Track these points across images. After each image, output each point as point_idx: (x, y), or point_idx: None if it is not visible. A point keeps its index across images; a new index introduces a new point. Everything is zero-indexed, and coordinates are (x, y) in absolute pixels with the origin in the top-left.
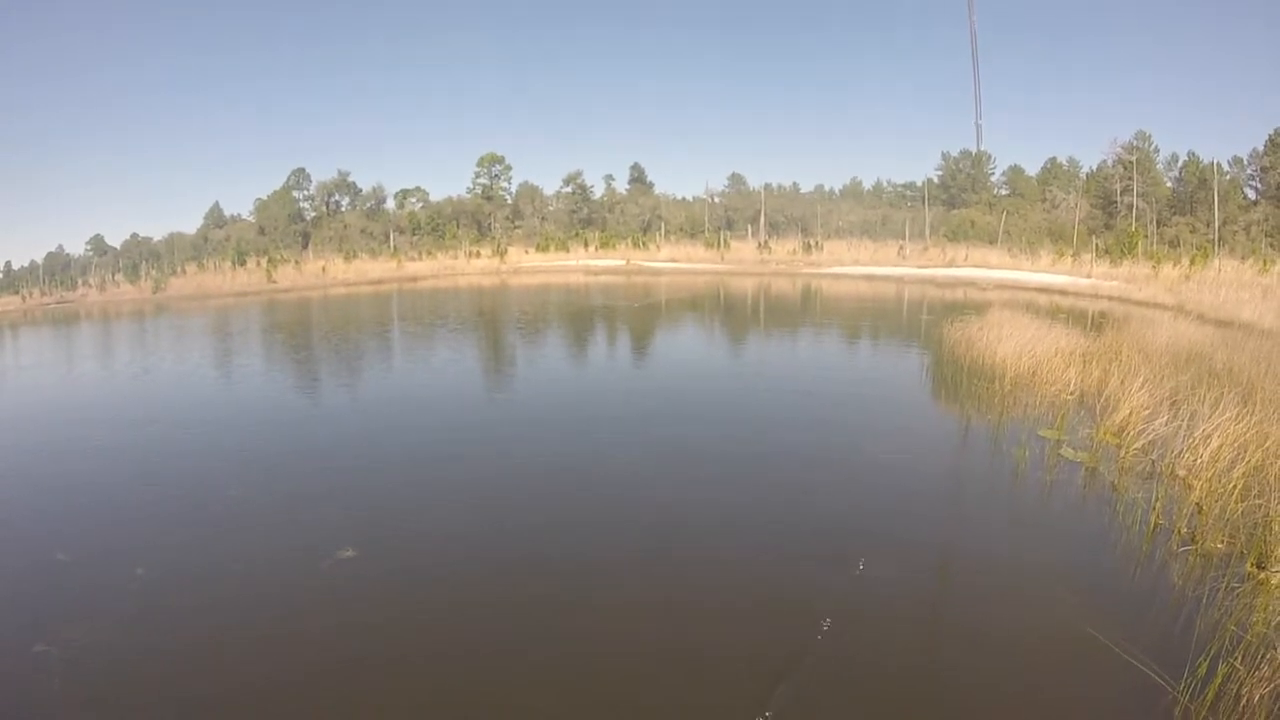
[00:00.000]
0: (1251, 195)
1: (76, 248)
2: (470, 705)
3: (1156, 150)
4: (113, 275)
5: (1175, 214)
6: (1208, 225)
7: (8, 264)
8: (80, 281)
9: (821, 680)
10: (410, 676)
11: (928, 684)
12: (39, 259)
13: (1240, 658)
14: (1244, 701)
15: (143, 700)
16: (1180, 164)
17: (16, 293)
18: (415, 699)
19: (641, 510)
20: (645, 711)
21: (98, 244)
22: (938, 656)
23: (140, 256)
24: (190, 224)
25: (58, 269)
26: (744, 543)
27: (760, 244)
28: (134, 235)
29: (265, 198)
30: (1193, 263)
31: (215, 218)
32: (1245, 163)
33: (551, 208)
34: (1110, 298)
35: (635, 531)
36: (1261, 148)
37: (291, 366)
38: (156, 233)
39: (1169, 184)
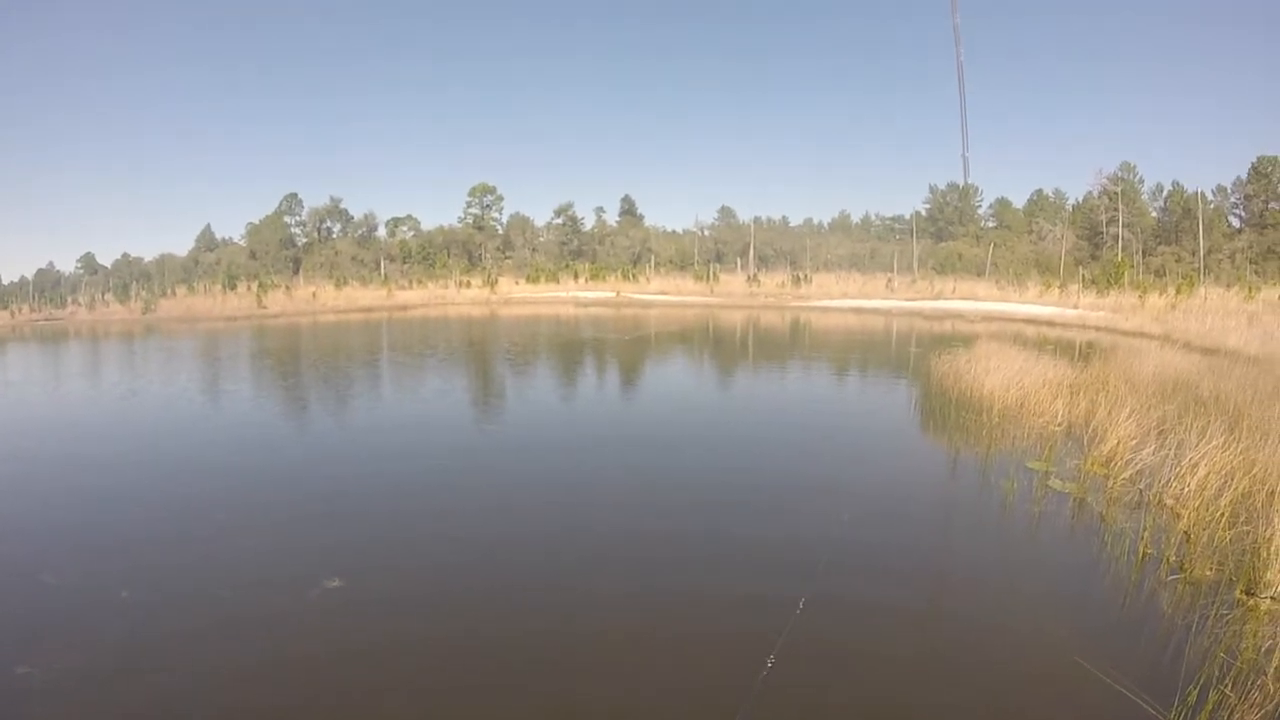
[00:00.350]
0: (1235, 223)
1: (67, 265)
2: None
3: (1141, 181)
4: (103, 294)
5: (1161, 243)
6: (1193, 254)
7: None
8: (70, 299)
9: (803, 709)
10: (397, 706)
11: (915, 715)
12: (29, 275)
13: (1231, 685)
14: None
15: None
16: (1165, 194)
17: (5, 308)
18: None
19: (630, 541)
20: None
21: (88, 262)
22: (925, 686)
23: (131, 276)
24: (181, 246)
25: (47, 286)
26: (730, 572)
27: (749, 277)
28: (125, 255)
29: (257, 222)
30: (1178, 291)
31: (206, 240)
32: (1229, 191)
33: (542, 239)
34: (1097, 328)
35: (624, 562)
36: (1245, 176)
37: (280, 393)
38: (147, 253)
39: (1154, 214)
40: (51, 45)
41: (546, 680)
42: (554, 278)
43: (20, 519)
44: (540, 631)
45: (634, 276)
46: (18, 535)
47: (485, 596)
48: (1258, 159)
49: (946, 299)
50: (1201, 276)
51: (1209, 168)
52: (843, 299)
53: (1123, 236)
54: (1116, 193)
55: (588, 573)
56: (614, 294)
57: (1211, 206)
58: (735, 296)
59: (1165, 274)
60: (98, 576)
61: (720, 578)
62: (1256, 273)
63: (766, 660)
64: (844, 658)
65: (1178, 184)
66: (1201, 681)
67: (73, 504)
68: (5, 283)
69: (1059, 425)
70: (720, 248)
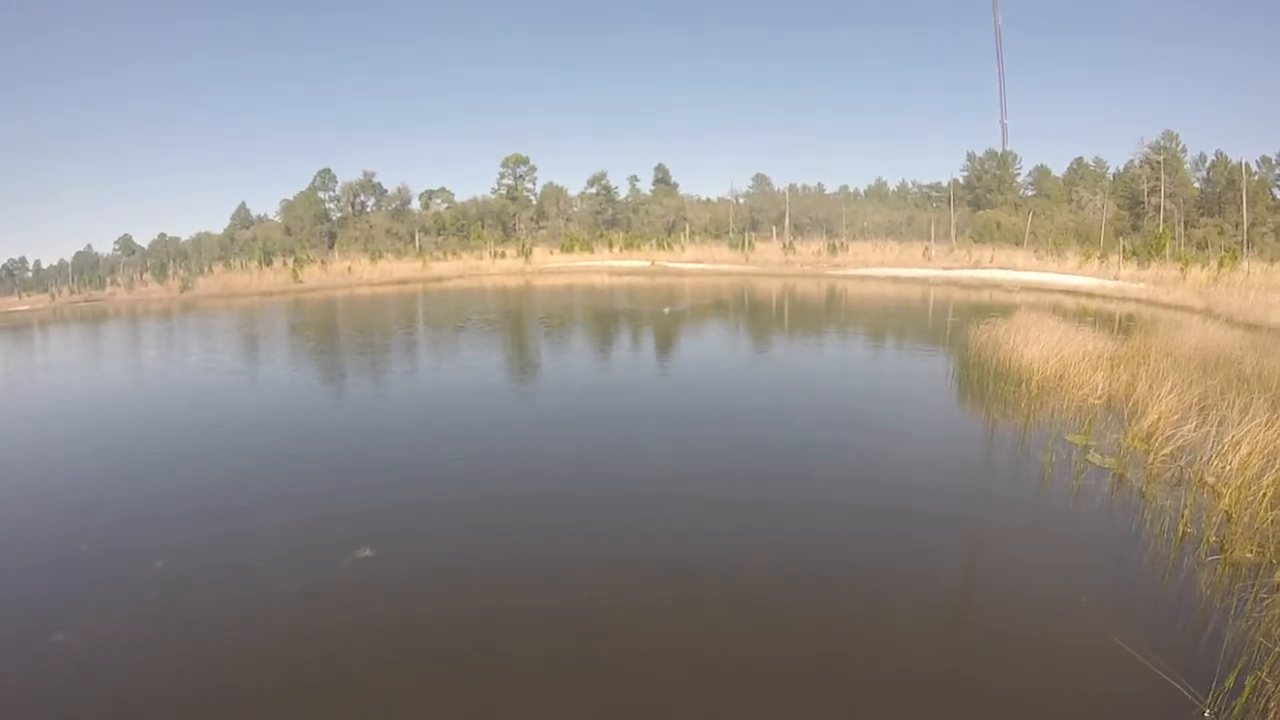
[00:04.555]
0: None
1: (105, 247)
2: (487, 707)
3: (1184, 150)
4: (140, 274)
5: (1203, 215)
6: (1236, 226)
7: (37, 263)
8: (108, 280)
9: (840, 680)
10: (427, 676)
11: (949, 688)
12: (68, 258)
13: (1268, 670)
14: (1272, 716)
15: (155, 690)
16: (1208, 164)
17: (46, 291)
18: (432, 699)
19: (668, 514)
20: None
21: (126, 244)
22: (960, 662)
23: (168, 256)
24: (217, 224)
25: (86, 268)
26: (762, 546)
27: (785, 245)
28: (161, 235)
29: (291, 198)
30: (1221, 265)
31: (242, 218)
32: (1274, 162)
33: (576, 208)
34: (1137, 300)
35: (661, 536)
36: None
37: (316, 366)
38: (184, 233)
39: (1197, 184)
40: (85, 32)
41: (580, 652)
42: (588, 247)
43: (59, 492)
44: (573, 603)
45: (668, 245)
46: (57, 507)
47: (518, 565)
48: None
49: (984, 268)
50: (1245, 250)
51: (1254, 138)
52: (879, 267)
53: (1164, 207)
54: (1159, 162)
55: (627, 547)
56: (649, 263)
57: (1256, 178)
58: (771, 265)
59: (1207, 246)
60: (134, 547)
61: (752, 549)
62: None
63: (789, 631)
64: (875, 625)
65: (1221, 154)
66: (1239, 666)
67: (110, 477)
68: (45, 266)
69: (1099, 398)
70: (755, 216)
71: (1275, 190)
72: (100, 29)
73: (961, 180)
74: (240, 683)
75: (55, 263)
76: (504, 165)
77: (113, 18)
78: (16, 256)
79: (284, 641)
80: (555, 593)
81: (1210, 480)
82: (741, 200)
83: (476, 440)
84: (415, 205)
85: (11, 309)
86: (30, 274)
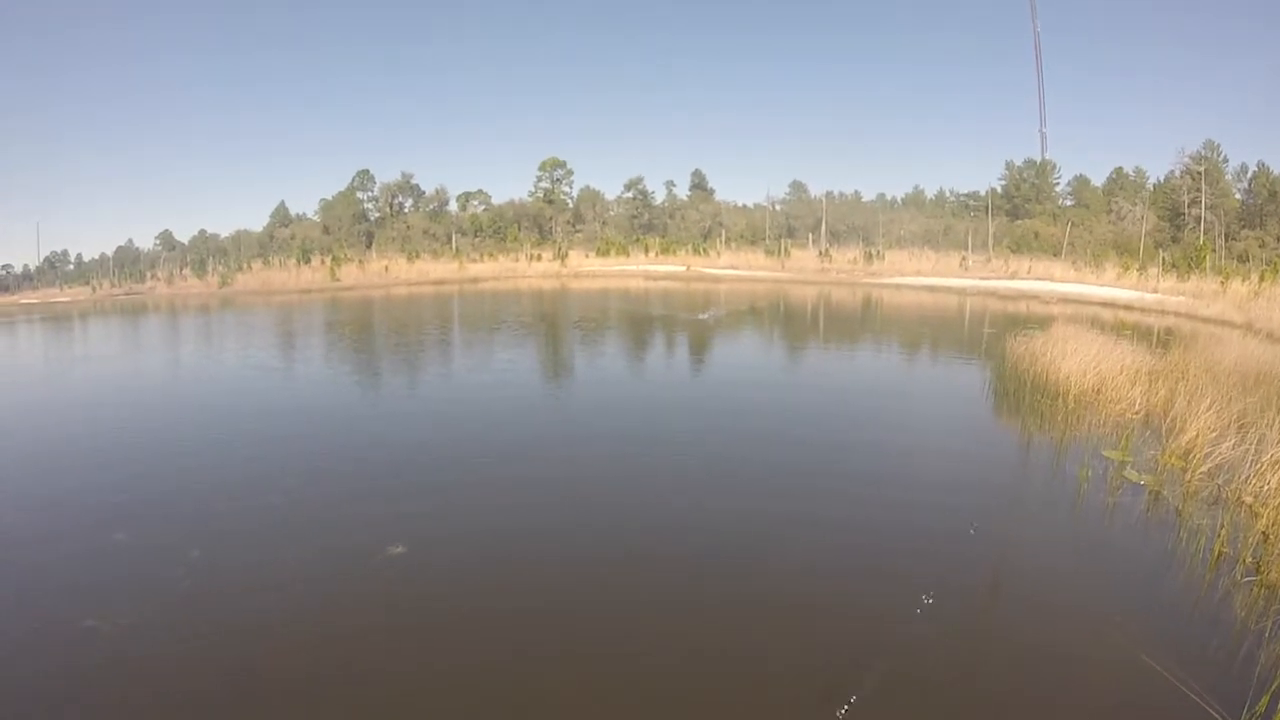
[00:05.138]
0: None
1: (145, 242)
2: (516, 704)
3: (1225, 160)
4: (180, 269)
5: (1244, 227)
6: (1278, 239)
7: (79, 256)
8: (149, 275)
9: (862, 687)
10: (456, 673)
11: (977, 703)
12: (109, 252)
13: None
14: None
15: (184, 678)
16: (1250, 175)
17: (87, 283)
18: (460, 695)
19: (697, 517)
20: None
21: (166, 239)
22: (989, 676)
23: (207, 252)
24: (256, 222)
25: (127, 262)
26: (797, 552)
27: (821, 252)
28: (202, 232)
29: (330, 198)
30: (1262, 279)
31: (281, 217)
32: None
33: (612, 213)
34: (1177, 314)
35: (690, 540)
36: None
37: (351, 364)
38: (224, 230)
39: (1238, 196)
40: (130, 30)
41: (609, 651)
42: (624, 251)
43: (97, 481)
44: (604, 602)
45: (704, 251)
46: (95, 495)
47: (549, 569)
48: None
49: (1022, 279)
50: None
51: None
52: (916, 276)
53: (1205, 219)
54: (1199, 173)
55: (658, 550)
56: (684, 268)
57: None
58: (806, 272)
59: (1249, 259)
60: (169, 536)
61: (782, 555)
62: None
63: (816, 636)
64: (905, 636)
65: (1263, 164)
66: (1273, 690)
67: (147, 467)
68: (86, 259)
69: (1136, 414)
70: (792, 222)
71: None
72: (145, 28)
73: (999, 189)
74: (264, 674)
75: (96, 256)
76: (541, 169)
77: (157, 17)
78: (59, 249)
79: (314, 633)
80: (587, 590)
81: (1248, 500)
82: (778, 207)
83: (510, 442)
84: (452, 207)
85: (53, 300)
86: (71, 266)
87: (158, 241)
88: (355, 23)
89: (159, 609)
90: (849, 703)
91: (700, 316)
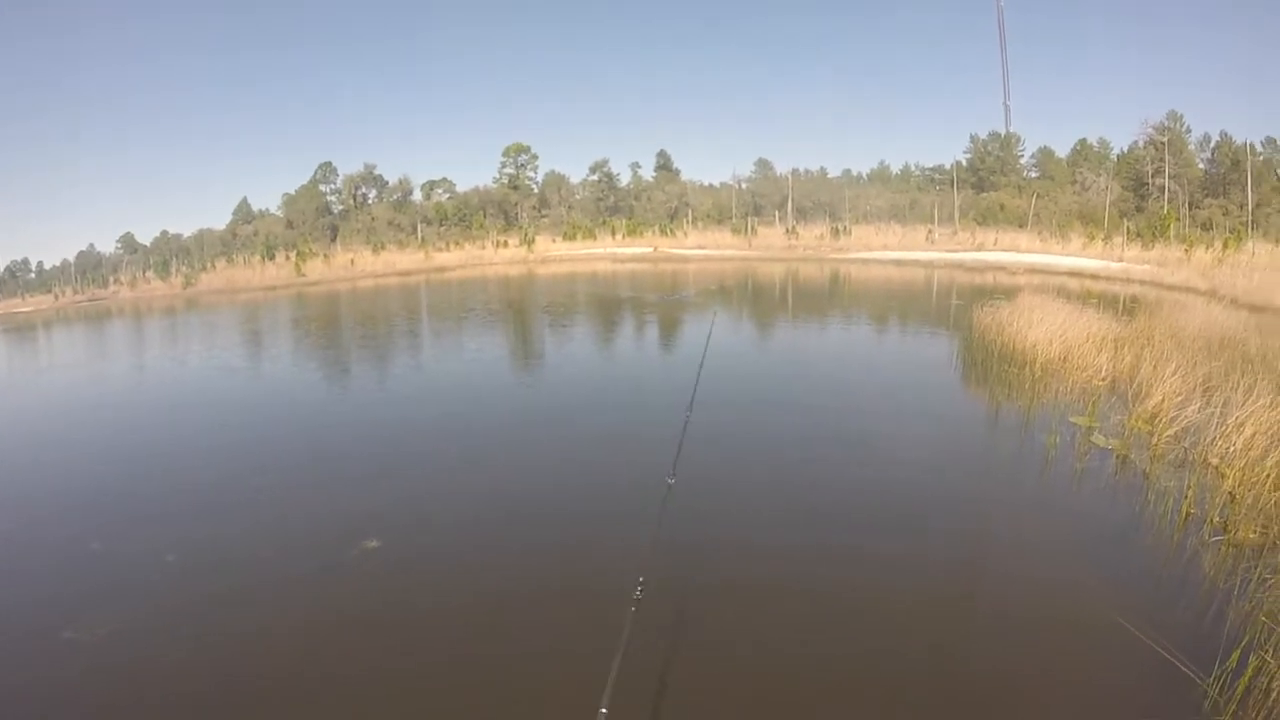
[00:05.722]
0: None
1: (107, 246)
2: (494, 695)
3: (1188, 131)
4: (143, 272)
5: (1208, 196)
6: (1241, 207)
7: (39, 263)
8: (112, 279)
9: (836, 659)
10: (433, 664)
11: (950, 669)
12: (70, 258)
13: (1272, 651)
14: (1275, 695)
15: (165, 684)
16: (1213, 145)
17: (49, 291)
18: (438, 688)
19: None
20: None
21: (128, 242)
22: (960, 641)
23: (170, 253)
24: (219, 220)
25: (89, 267)
26: (767, 520)
27: (788, 230)
28: (164, 232)
29: (293, 192)
30: (1226, 246)
31: (243, 213)
32: (1279, 143)
33: (578, 196)
34: (1142, 282)
35: (667, 515)
36: None
37: (317, 359)
38: (186, 229)
39: (1201, 165)
40: (82, 32)
41: (586, 640)
42: (591, 235)
43: (70, 491)
44: (579, 590)
45: (671, 231)
46: (69, 505)
47: (524, 558)
48: None
49: (988, 251)
50: (1250, 231)
51: (1259, 118)
52: (882, 251)
53: (1169, 188)
54: (1163, 143)
55: (635, 536)
56: (651, 249)
57: (1261, 159)
58: (774, 250)
59: (1212, 228)
60: (143, 542)
61: (753, 530)
62: None
63: (786, 609)
64: (877, 605)
65: (1226, 134)
66: (1242, 646)
67: (118, 475)
68: (48, 267)
69: (1102, 380)
70: (758, 201)
71: None
72: (96, 28)
73: (964, 163)
74: (251, 675)
75: (58, 263)
76: (505, 154)
77: (108, 16)
78: (19, 258)
79: (293, 632)
80: (561, 577)
81: (1214, 461)
82: (744, 185)
83: (477, 430)
84: (417, 196)
85: (15, 310)
86: (33, 275)
87: (119, 245)
88: (310, 14)
89: (137, 616)
90: (823, 675)
91: (671, 297)
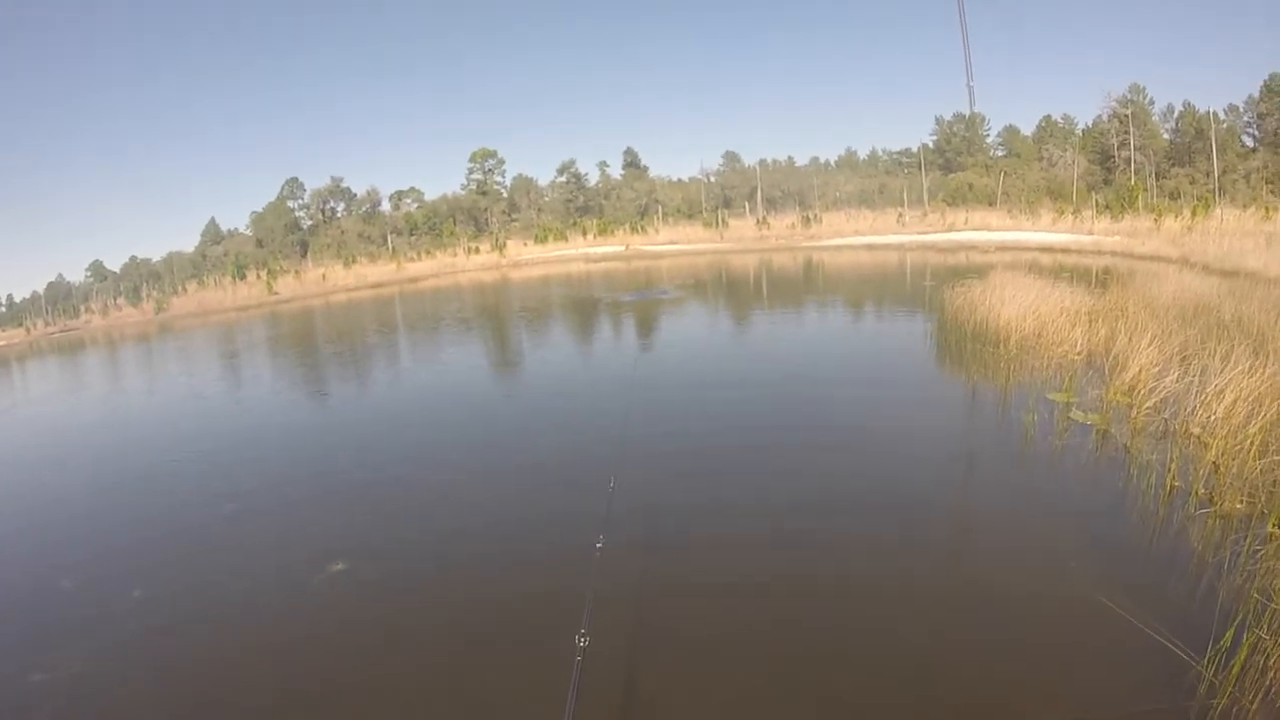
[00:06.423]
0: (1249, 143)
1: (76, 275)
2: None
3: (1151, 102)
4: (114, 299)
5: (1174, 165)
6: (1207, 175)
7: (9, 296)
8: (83, 308)
9: (820, 642)
10: (401, 686)
11: (933, 650)
12: (40, 289)
13: (1267, 627)
14: (1272, 674)
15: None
16: (1176, 115)
17: (20, 325)
18: (406, 712)
19: (647, 488)
20: None
21: (97, 269)
22: (944, 623)
23: (140, 278)
24: (188, 242)
25: (59, 298)
26: (745, 507)
27: (759, 220)
28: (133, 258)
29: (261, 210)
30: (1194, 214)
31: (212, 234)
32: (1241, 110)
33: (547, 198)
34: (1113, 253)
35: (639, 512)
36: (1257, 94)
37: (287, 380)
38: (155, 253)
39: (1166, 136)
40: (41, 58)
41: (552, 661)
42: (562, 236)
43: (40, 530)
44: (547, 613)
45: (642, 229)
46: (39, 545)
47: (492, 577)
48: (1270, 76)
49: (959, 230)
50: (1217, 198)
51: (1220, 86)
52: (854, 236)
53: (1135, 160)
54: (1126, 115)
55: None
56: (624, 248)
57: (1224, 126)
58: (746, 241)
59: (1180, 196)
60: (112, 578)
61: (734, 518)
62: (1273, 192)
63: (770, 593)
64: (862, 593)
65: (1189, 104)
66: (1236, 623)
67: (87, 509)
68: (18, 300)
69: (1079, 354)
70: (728, 193)
71: (1244, 137)
72: (56, 55)
73: (931, 145)
74: (225, 704)
75: (28, 295)
76: (472, 160)
77: (66, 43)
78: None
79: (262, 658)
80: (529, 604)
81: (1196, 431)
82: (713, 178)
83: (449, 446)
84: (385, 207)
85: None
86: (3, 308)
87: (89, 273)
88: (270, 31)
89: (107, 653)
90: (806, 657)
91: (649, 295)
